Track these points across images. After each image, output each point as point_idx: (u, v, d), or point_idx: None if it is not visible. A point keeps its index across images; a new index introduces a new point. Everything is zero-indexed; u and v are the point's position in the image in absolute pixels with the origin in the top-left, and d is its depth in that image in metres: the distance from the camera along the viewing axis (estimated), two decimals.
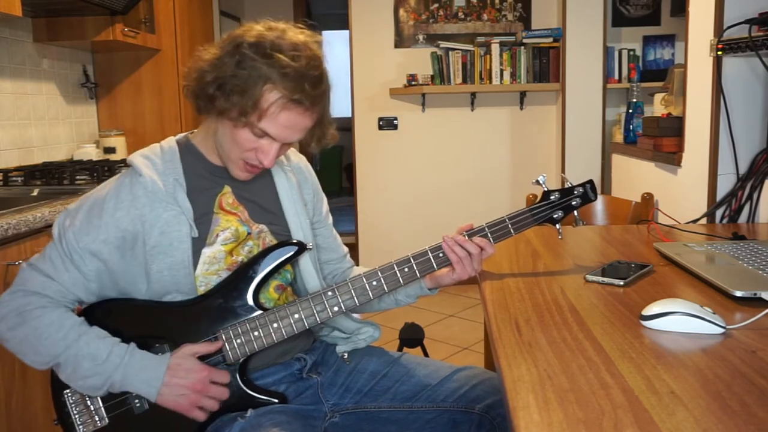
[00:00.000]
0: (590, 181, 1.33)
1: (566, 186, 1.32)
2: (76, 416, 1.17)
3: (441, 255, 1.25)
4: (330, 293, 1.21)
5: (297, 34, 1.18)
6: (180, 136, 1.30)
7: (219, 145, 1.22)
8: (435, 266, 1.25)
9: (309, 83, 1.14)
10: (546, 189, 1.31)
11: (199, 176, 1.25)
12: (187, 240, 1.19)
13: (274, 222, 1.31)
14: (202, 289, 1.21)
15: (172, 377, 1.14)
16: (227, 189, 1.27)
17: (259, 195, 1.31)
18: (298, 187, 1.36)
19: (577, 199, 1.30)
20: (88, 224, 1.17)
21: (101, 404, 1.17)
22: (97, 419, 1.17)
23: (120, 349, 1.14)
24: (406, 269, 1.23)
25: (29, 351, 1.15)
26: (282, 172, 1.35)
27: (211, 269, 1.22)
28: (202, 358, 1.18)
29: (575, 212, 1.32)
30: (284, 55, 1.12)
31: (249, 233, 1.26)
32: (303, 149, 1.80)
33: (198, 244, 1.20)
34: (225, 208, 1.25)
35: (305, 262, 1.32)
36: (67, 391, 1.18)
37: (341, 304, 1.22)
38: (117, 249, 1.17)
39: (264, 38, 1.14)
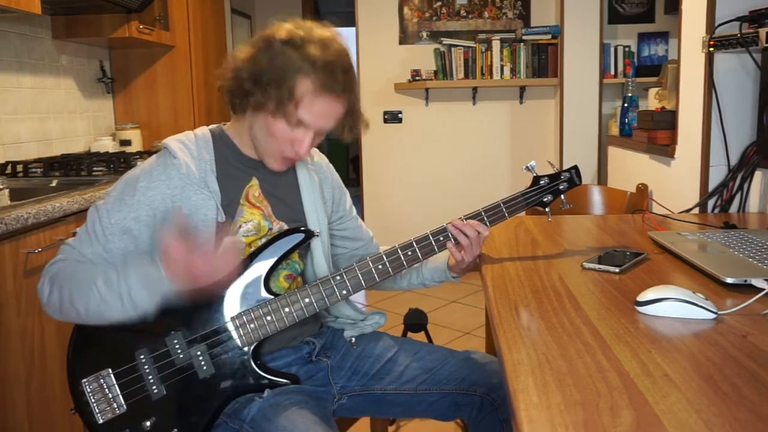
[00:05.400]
0: (575, 167, 1.37)
1: (553, 171, 1.37)
2: (95, 404, 1.16)
3: (441, 239, 1.28)
4: (338, 277, 1.23)
5: (324, 31, 1.21)
6: (213, 126, 1.32)
7: (255, 140, 1.25)
8: (436, 249, 1.28)
9: (340, 71, 1.17)
10: (536, 174, 1.35)
11: (229, 165, 1.26)
12: (212, 225, 1.20)
13: (295, 219, 1.32)
14: None
15: (168, 272, 1.10)
16: (255, 181, 1.28)
17: (282, 191, 1.32)
18: (319, 186, 1.37)
19: (564, 184, 1.36)
20: (121, 202, 1.19)
21: (119, 392, 1.16)
22: (115, 406, 1.16)
23: (115, 269, 1.13)
24: (409, 252, 1.26)
25: (68, 309, 1.14)
26: (306, 170, 1.36)
27: None
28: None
29: (562, 196, 1.36)
30: (315, 47, 1.16)
31: (270, 229, 1.27)
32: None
33: (221, 232, 1.21)
34: (250, 201, 1.27)
35: (318, 253, 1.34)
36: (85, 380, 1.17)
37: (349, 287, 1.23)
38: (147, 227, 1.19)
39: (294, 34, 1.17)
